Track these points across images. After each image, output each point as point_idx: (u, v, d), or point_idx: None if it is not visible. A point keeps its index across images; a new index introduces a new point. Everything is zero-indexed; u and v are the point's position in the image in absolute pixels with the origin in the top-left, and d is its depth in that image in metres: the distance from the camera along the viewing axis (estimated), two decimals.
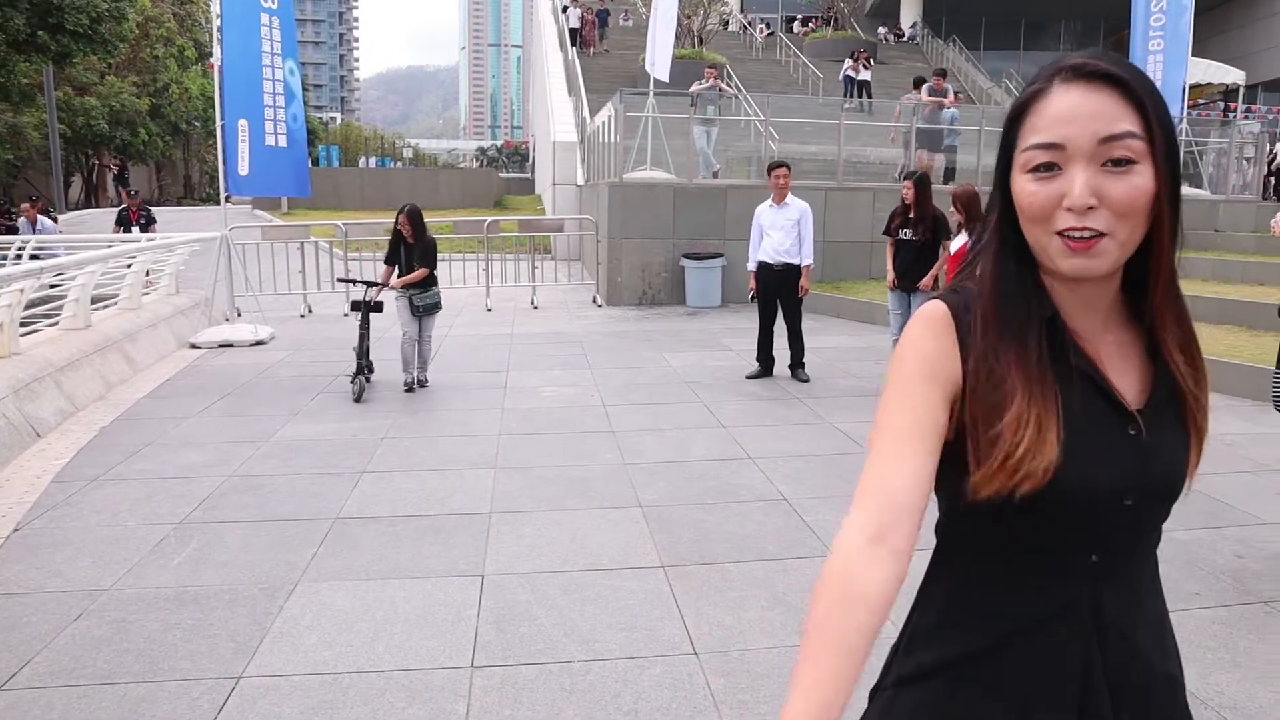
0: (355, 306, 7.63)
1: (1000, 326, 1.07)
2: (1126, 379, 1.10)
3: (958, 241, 6.76)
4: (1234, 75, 21.27)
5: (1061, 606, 1.07)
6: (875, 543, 1.02)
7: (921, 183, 7.37)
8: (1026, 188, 1.03)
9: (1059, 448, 1.02)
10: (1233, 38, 31.04)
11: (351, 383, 7.33)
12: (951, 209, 6.73)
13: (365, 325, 7.48)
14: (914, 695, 1.13)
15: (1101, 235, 0.99)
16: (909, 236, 7.41)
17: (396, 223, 7.47)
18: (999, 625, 1.09)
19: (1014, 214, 1.07)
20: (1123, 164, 0.98)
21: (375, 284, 7.62)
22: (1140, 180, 0.99)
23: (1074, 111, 0.99)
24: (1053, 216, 1.01)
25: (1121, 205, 0.99)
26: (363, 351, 7.38)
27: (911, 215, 7.41)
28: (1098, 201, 0.98)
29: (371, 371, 7.55)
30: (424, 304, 7.53)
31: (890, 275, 7.64)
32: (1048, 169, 1.01)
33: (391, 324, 7.78)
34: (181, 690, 3.01)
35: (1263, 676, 3.09)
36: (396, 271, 7.53)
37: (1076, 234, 0.99)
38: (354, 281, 7.84)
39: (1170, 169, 1.00)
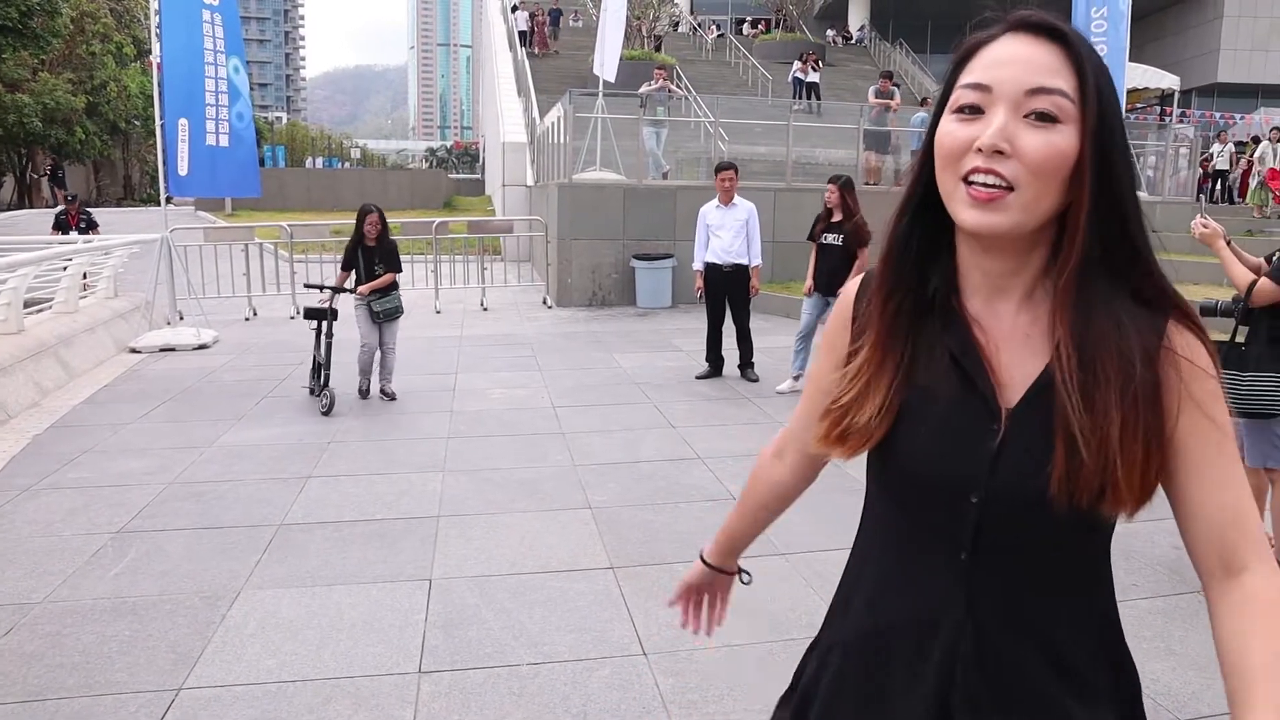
0: (310, 314, 7.12)
1: (879, 286, 1.09)
2: (1023, 369, 1.02)
3: None
4: (1169, 80, 21.88)
5: (936, 599, 1.05)
6: (776, 456, 1.37)
7: (847, 185, 7.32)
8: (947, 127, 0.99)
9: (887, 418, 1.05)
10: (1167, 44, 31.97)
11: (320, 396, 6.88)
12: None
13: (329, 334, 7.00)
14: (810, 661, 1.24)
15: (1008, 190, 0.94)
16: (833, 240, 7.33)
17: (364, 224, 7.05)
18: (878, 613, 1.11)
19: (933, 163, 1.03)
20: (1045, 119, 0.94)
21: (343, 289, 7.13)
22: (1060, 140, 0.93)
23: (1010, 57, 0.96)
24: (963, 158, 0.97)
25: (1033, 159, 0.93)
26: (328, 361, 6.96)
27: (835, 219, 7.34)
28: (1009, 148, 0.93)
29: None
30: (383, 309, 7.09)
31: (809, 282, 7.64)
32: (972, 111, 0.97)
33: (340, 328, 7.53)
34: (118, 704, 2.93)
35: (1195, 663, 3.18)
36: (353, 277, 7.17)
37: (980, 179, 0.95)
38: (321, 287, 7.23)
39: (1099, 139, 0.95)
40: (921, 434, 1.04)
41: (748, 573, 1.54)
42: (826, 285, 7.36)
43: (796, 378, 7.47)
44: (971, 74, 0.98)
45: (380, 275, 7.10)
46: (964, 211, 0.97)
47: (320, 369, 7.03)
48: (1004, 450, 1.00)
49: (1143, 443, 0.95)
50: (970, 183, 0.96)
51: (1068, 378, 0.96)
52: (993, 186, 0.94)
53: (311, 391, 7.22)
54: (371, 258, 7.10)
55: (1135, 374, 0.96)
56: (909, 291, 1.06)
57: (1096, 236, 0.97)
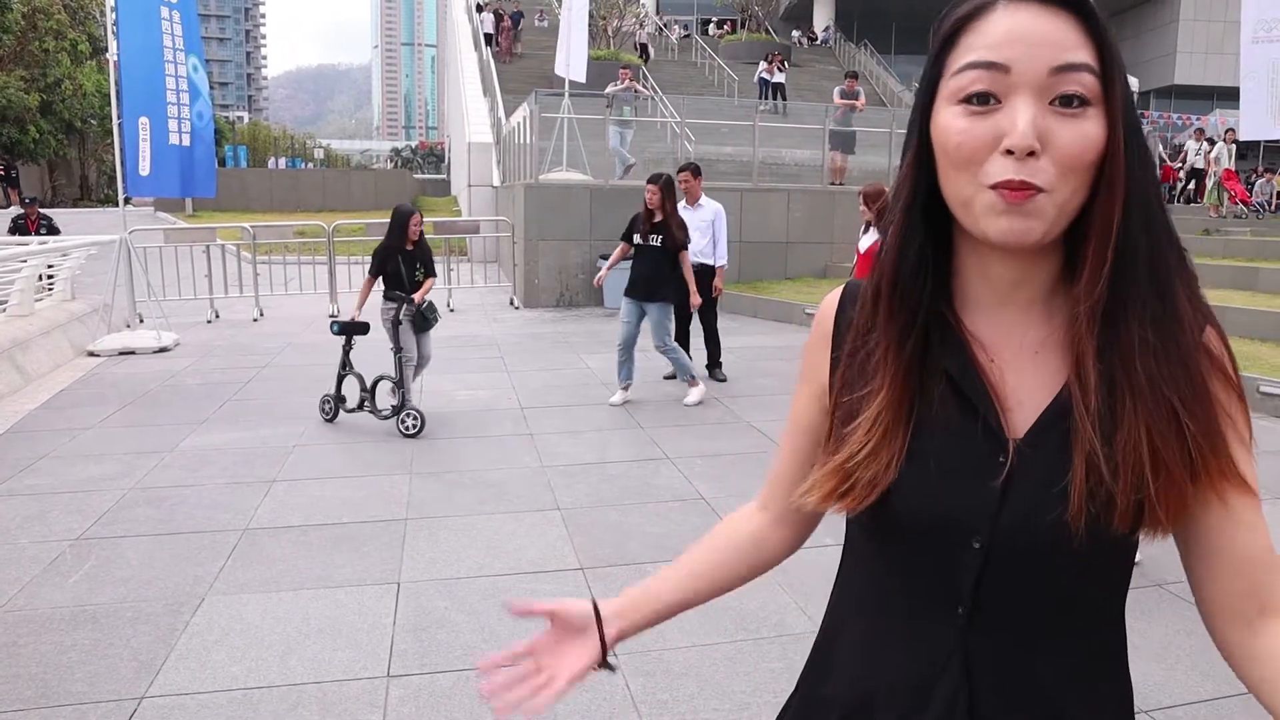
0: (346, 330, 6.44)
1: (882, 311, 0.90)
2: (1033, 392, 0.88)
3: (867, 240, 6.70)
4: (1129, 82, 22.23)
5: (927, 666, 0.91)
6: (758, 508, 1.13)
7: (668, 186, 7.01)
8: (955, 123, 0.82)
9: (899, 462, 0.88)
10: (1126, 47, 32.54)
11: (403, 417, 6.21)
12: (862, 208, 6.72)
13: (399, 349, 6.39)
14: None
15: (1039, 191, 0.79)
16: (654, 242, 6.92)
17: (406, 226, 6.43)
18: (860, 681, 0.97)
19: (930, 162, 0.86)
20: (1074, 104, 0.79)
21: (409, 299, 6.40)
22: (1092, 128, 0.79)
23: (1023, 32, 0.79)
24: (985, 162, 0.80)
25: (1068, 156, 0.79)
26: (402, 378, 6.34)
27: (656, 220, 6.96)
28: (1041, 147, 0.78)
29: (345, 401, 6.56)
30: (435, 316, 6.56)
31: (603, 272, 7.48)
32: (983, 101, 0.80)
33: (300, 333, 7.36)
34: (78, 715, 2.87)
35: (1156, 655, 3.24)
36: (381, 283, 6.48)
37: (1015, 188, 0.79)
38: (402, 299, 6.41)
39: (1126, 119, 0.81)
40: (915, 473, 0.88)
41: (614, 656, 1.05)
42: (646, 290, 6.94)
43: (625, 388, 7.16)
44: (973, 52, 0.81)
45: (420, 281, 6.54)
46: (992, 221, 0.81)
47: (373, 388, 6.42)
48: (1011, 485, 0.85)
49: (1182, 460, 0.82)
50: (998, 188, 0.80)
51: (1088, 398, 0.83)
52: (1024, 188, 0.79)
53: (330, 417, 6.54)
54: (412, 262, 6.52)
55: (1176, 385, 0.82)
56: (925, 312, 0.89)
57: (1128, 233, 0.82)
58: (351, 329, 6.45)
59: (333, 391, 6.57)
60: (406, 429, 6.20)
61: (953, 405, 0.88)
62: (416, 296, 6.42)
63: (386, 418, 6.37)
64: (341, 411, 6.57)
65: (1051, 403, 0.86)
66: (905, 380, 0.89)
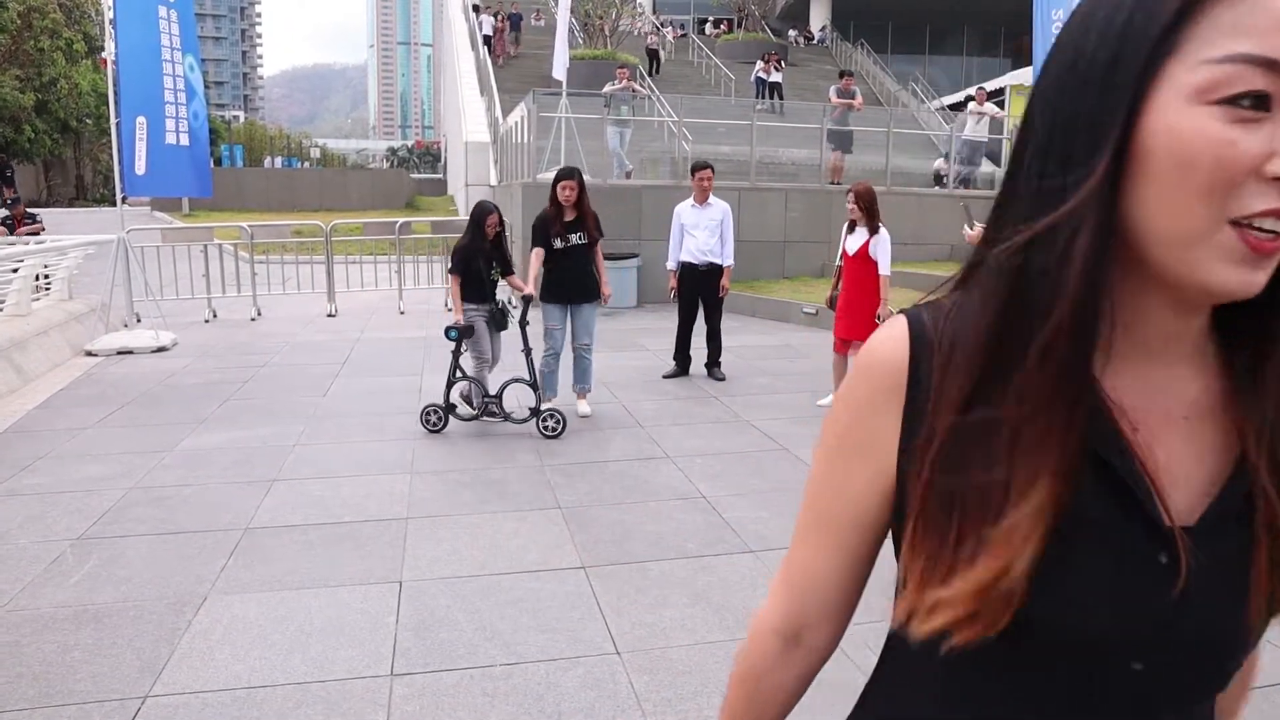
0: (465, 333, 6.23)
1: (1047, 373, 0.65)
2: (1187, 468, 0.70)
3: (857, 240, 6.51)
4: None
5: None
6: (790, 643, 0.86)
7: (583, 180, 6.68)
8: (1217, 131, 0.60)
9: (1034, 570, 0.66)
10: None
11: (544, 418, 6.14)
12: (851, 206, 6.61)
13: (528, 349, 6.33)
14: None
15: None
16: (577, 240, 6.58)
17: (484, 223, 6.36)
18: None
19: (1117, 177, 0.63)
20: None
21: (527, 296, 6.37)
22: None
23: None
24: (1239, 185, 0.60)
25: None
26: (536, 381, 6.30)
27: (572, 218, 6.58)
28: None
29: (456, 409, 6.41)
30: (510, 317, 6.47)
31: (530, 287, 6.51)
32: (1257, 105, 0.59)
33: (292, 331, 7.35)
34: (82, 714, 2.88)
35: None
36: (460, 282, 6.35)
37: (1270, 225, 0.60)
38: (528, 296, 6.39)
39: None
40: (1058, 584, 0.67)
41: None
42: (577, 291, 6.64)
43: (549, 399, 6.66)
44: (1246, 37, 0.59)
45: (496, 279, 6.45)
46: (1225, 270, 0.62)
47: (500, 394, 6.30)
48: (1189, 590, 0.67)
49: None
50: (1250, 226, 0.61)
51: (1266, 477, 0.68)
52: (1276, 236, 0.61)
53: (439, 427, 6.26)
54: (489, 261, 6.43)
55: None
56: (1091, 381, 0.67)
57: None
58: (465, 333, 6.27)
59: (442, 401, 6.31)
60: (549, 430, 6.13)
61: (1096, 489, 0.68)
62: (527, 289, 6.37)
63: (522, 421, 6.30)
64: (452, 420, 6.34)
65: (1233, 479, 0.69)
66: (1070, 470, 0.66)
